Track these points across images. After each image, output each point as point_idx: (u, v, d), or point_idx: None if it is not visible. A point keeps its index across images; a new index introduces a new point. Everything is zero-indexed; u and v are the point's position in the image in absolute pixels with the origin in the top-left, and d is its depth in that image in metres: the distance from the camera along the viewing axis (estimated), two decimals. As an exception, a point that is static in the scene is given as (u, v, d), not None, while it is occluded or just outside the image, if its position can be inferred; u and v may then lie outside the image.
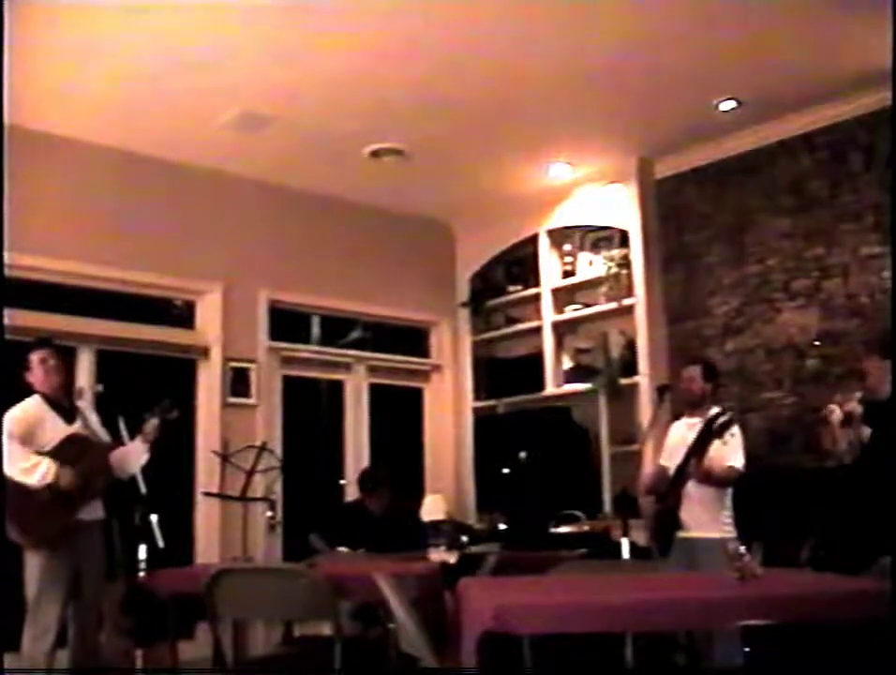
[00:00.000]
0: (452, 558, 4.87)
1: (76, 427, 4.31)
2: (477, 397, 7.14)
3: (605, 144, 6.08)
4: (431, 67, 4.93)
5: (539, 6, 4.37)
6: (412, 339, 7.37)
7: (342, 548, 5.12)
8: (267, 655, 4.84)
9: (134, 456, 4.34)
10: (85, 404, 4.55)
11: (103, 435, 4.39)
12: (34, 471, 4.05)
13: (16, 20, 3.94)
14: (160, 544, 4.00)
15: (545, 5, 4.37)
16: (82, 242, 5.55)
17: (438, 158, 6.13)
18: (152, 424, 4.46)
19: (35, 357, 4.30)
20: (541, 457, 6.05)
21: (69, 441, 4.23)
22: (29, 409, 4.23)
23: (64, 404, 4.34)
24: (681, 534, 4.45)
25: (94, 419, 4.43)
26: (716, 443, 4.34)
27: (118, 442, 4.32)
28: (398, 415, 7.26)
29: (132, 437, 4.36)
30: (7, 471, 4.03)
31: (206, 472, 5.89)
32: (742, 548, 2.94)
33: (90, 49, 4.61)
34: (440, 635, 2.88)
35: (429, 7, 4.37)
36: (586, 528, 5.83)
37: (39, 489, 4.05)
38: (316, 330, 6.93)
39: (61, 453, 4.16)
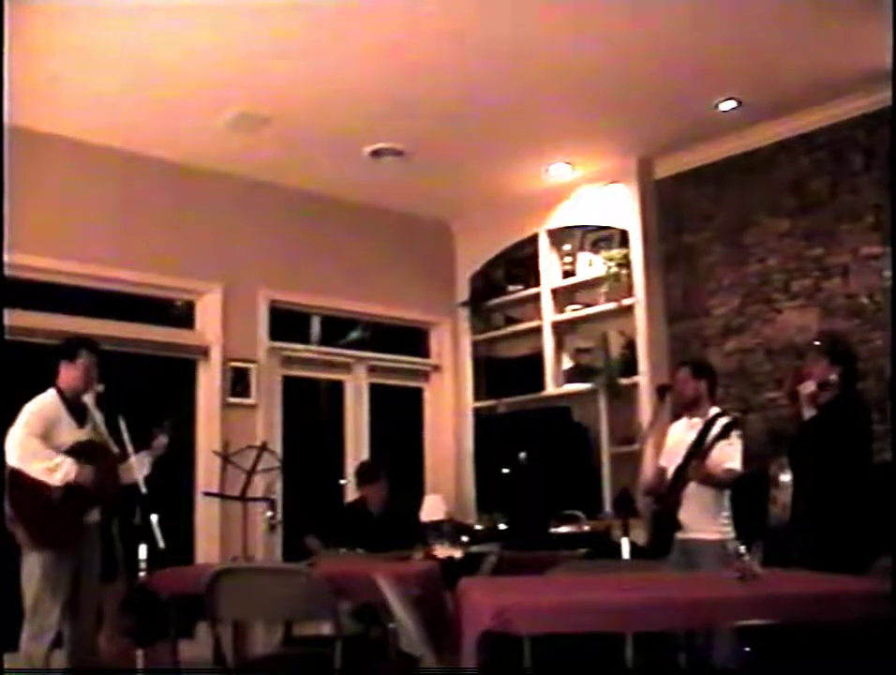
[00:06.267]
0: (457, 553, 4.89)
1: (87, 430, 4.33)
2: (477, 397, 7.14)
3: (605, 144, 6.08)
4: (431, 68, 4.93)
5: (539, 6, 4.37)
6: (412, 339, 7.37)
7: (340, 549, 5.12)
8: (267, 655, 4.84)
9: (139, 468, 4.30)
10: (90, 404, 4.55)
11: (108, 438, 4.39)
12: (56, 471, 4.07)
13: (16, 19, 3.94)
14: (160, 544, 3.99)
15: (545, 5, 4.37)
16: (82, 242, 5.55)
17: (438, 158, 6.13)
18: (161, 441, 4.50)
19: (84, 359, 4.32)
20: (541, 457, 6.04)
21: (83, 446, 4.24)
22: (48, 406, 4.25)
23: (77, 405, 4.35)
24: (680, 535, 4.44)
25: (99, 419, 4.43)
26: (720, 445, 4.33)
27: (121, 444, 4.31)
28: (398, 415, 7.26)
29: (132, 437, 4.34)
30: (28, 469, 4.05)
31: (206, 472, 5.89)
32: (742, 548, 2.94)
33: (90, 49, 4.61)
34: (440, 635, 2.88)
35: (430, 7, 4.37)
36: (586, 528, 5.83)
37: (52, 491, 4.07)
38: (316, 330, 6.93)
39: (76, 455, 4.17)
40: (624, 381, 6.18)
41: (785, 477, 4.36)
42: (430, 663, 2.79)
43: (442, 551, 4.87)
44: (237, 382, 6.14)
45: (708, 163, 6.10)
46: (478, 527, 6.39)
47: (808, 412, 4.32)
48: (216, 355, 6.09)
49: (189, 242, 6.02)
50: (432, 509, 6.35)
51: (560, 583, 3.39)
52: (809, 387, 4.31)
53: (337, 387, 6.90)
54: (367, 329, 7.17)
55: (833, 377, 4.28)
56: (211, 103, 5.24)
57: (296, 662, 4.15)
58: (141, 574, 4.00)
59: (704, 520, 4.40)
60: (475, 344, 7.23)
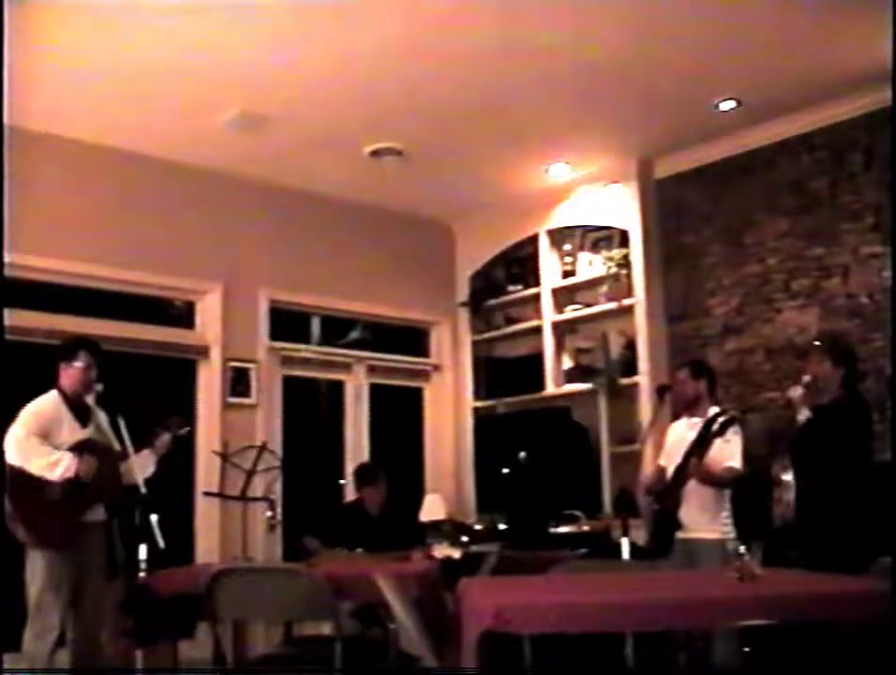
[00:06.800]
0: (456, 553, 4.88)
1: (89, 430, 4.33)
2: (477, 397, 7.15)
3: (605, 144, 6.08)
4: (431, 68, 4.93)
5: (538, 6, 4.37)
6: (412, 339, 7.38)
7: (340, 549, 5.12)
8: (267, 655, 4.84)
9: (142, 467, 4.31)
10: (93, 404, 4.55)
11: (112, 438, 4.40)
12: (56, 466, 4.07)
13: (16, 20, 3.94)
14: (160, 544, 3.99)
15: (545, 5, 4.37)
16: (82, 242, 5.54)
17: (438, 158, 6.13)
18: (164, 439, 4.53)
19: (83, 360, 4.31)
20: (541, 457, 6.04)
21: (84, 445, 4.24)
22: (48, 406, 4.25)
23: (80, 406, 4.35)
24: (681, 535, 4.45)
25: (103, 419, 4.43)
26: (718, 442, 4.34)
27: (121, 444, 4.31)
28: (398, 415, 7.27)
29: (132, 437, 4.34)
30: (28, 466, 4.05)
31: (206, 471, 5.89)
32: (742, 548, 2.94)
33: (90, 49, 4.61)
34: (440, 635, 2.88)
35: (429, 7, 4.37)
36: (586, 528, 5.83)
37: (51, 489, 4.07)
38: (316, 330, 6.93)
39: (77, 452, 4.17)
40: (624, 381, 6.19)
41: (788, 477, 4.37)
42: (430, 663, 2.79)
43: (442, 552, 4.86)
44: (237, 382, 6.14)
45: (708, 163, 6.10)
46: (478, 527, 6.39)
47: (803, 415, 4.35)
48: (216, 355, 6.09)
49: (189, 241, 6.02)
50: (432, 509, 6.35)
51: (559, 583, 3.39)
52: (797, 391, 4.37)
53: (337, 387, 6.90)
54: (367, 329, 7.17)
55: (808, 378, 4.33)
56: (211, 103, 5.24)
57: (296, 662, 4.14)
58: (141, 574, 4.00)
59: (704, 520, 4.41)
60: (475, 344, 7.23)
